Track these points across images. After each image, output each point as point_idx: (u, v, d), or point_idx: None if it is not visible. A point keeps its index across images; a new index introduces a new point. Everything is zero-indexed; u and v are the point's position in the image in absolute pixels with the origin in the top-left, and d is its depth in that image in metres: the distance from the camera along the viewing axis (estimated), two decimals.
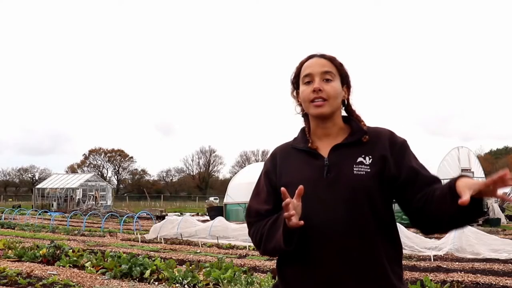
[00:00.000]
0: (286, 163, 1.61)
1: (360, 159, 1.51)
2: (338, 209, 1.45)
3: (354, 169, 1.49)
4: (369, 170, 1.48)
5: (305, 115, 1.67)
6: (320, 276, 1.45)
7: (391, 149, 1.53)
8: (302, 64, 1.63)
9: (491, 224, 16.20)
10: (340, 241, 1.44)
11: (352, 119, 1.62)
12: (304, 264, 1.49)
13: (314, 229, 1.46)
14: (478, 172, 21.40)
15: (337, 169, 1.50)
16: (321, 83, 1.55)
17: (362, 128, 1.57)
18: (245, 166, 39.55)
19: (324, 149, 1.56)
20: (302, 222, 1.38)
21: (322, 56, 1.61)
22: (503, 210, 19.34)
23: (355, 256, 1.44)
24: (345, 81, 1.62)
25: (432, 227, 1.46)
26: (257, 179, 1.70)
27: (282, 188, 1.40)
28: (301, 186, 1.40)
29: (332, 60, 1.61)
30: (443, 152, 19.20)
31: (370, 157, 1.51)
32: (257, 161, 64.27)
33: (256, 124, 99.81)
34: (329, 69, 1.57)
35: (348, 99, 1.64)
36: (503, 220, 17.80)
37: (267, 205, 1.59)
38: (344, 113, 1.65)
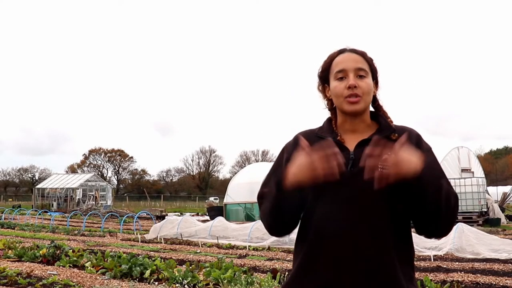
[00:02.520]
0: None
1: (385, 156, 1.46)
2: (356, 204, 1.44)
3: (379, 166, 1.44)
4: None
5: (332, 109, 1.63)
6: (331, 271, 1.44)
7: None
8: (332, 58, 1.59)
9: (491, 224, 16.21)
10: (354, 237, 1.42)
11: (379, 115, 1.60)
12: (317, 257, 1.47)
13: (330, 222, 1.45)
14: (478, 172, 21.43)
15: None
16: (356, 79, 1.51)
17: (391, 126, 1.55)
18: (245, 166, 39.53)
19: (350, 142, 1.54)
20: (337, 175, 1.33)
21: (354, 51, 1.57)
22: (503, 210, 19.37)
23: (368, 254, 1.42)
24: (375, 76, 1.59)
25: (424, 225, 1.47)
26: (273, 164, 1.65)
27: (302, 139, 1.38)
28: (304, 141, 1.38)
29: (363, 55, 1.57)
30: (443, 152, 19.21)
31: None
32: (257, 161, 64.29)
33: (256, 124, 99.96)
34: (363, 65, 1.54)
35: (376, 95, 1.62)
36: (503, 220, 17.81)
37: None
38: (371, 108, 1.62)
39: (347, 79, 1.52)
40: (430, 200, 1.38)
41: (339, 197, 1.44)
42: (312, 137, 1.59)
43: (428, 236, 1.50)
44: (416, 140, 1.54)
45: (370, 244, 1.42)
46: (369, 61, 1.57)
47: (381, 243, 1.43)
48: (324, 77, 1.62)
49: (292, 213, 1.52)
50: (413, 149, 1.37)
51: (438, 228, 1.46)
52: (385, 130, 1.54)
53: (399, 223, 1.46)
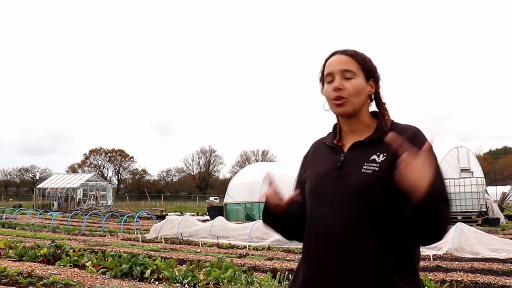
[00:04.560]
0: (314, 157, 1.66)
1: (373, 156, 1.46)
2: (339, 206, 1.45)
3: (364, 167, 1.45)
4: (377, 168, 1.43)
5: None
6: (319, 272, 1.46)
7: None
8: (325, 62, 1.61)
9: (490, 224, 16.22)
10: (336, 239, 1.44)
11: (378, 114, 1.59)
12: (307, 259, 1.52)
13: (316, 224, 1.49)
14: (477, 172, 21.43)
15: (349, 165, 1.49)
16: (341, 81, 1.52)
17: (382, 127, 1.52)
18: (245, 166, 39.52)
19: (348, 145, 1.56)
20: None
21: (344, 52, 1.57)
22: (502, 209, 19.39)
23: (350, 256, 1.41)
24: (371, 75, 1.57)
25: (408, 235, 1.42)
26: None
27: (270, 173, 1.54)
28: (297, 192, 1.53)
29: (353, 56, 1.55)
30: (443, 152, 19.19)
31: (384, 154, 1.45)
32: (257, 161, 64.21)
33: (256, 124, 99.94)
34: (349, 67, 1.53)
35: (376, 93, 1.59)
36: (502, 219, 17.81)
37: (294, 194, 1.62)
38: (375, 107, 1.61)
39: (334, 82, 1.54)
40: (424, 222, 1.33)
41: (326, 197, 1.49)
42: (321, 144, 1.67)
43: (421, 244, 1.49)
44: (415, 137, 1.47)
45: (352, 247, 1.42)
46: (360, 61, 1.55)
47: (363, 246, 1.41)
48: (321, 80, 1.64)
49: (293, 225, 1.63)
50: (429, 164, 1.28)
51: (428, 241, 1.42)
52: (379, 130, 1.52)
53: (384, 227, 1.41)
